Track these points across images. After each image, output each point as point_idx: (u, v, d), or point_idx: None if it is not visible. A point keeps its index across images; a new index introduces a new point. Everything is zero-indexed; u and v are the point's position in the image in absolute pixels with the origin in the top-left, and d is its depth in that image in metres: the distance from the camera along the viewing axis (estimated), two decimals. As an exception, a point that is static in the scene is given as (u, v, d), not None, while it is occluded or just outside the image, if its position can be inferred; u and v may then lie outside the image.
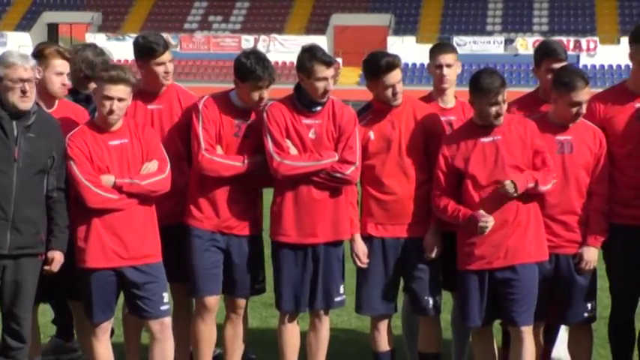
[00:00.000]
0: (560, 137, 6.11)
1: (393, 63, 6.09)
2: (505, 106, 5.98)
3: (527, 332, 6.03)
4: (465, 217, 5.95)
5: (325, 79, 6.08)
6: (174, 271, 6.24)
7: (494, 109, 5.90)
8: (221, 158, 6.15)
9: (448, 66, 6.50)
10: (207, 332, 6.36)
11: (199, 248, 6.22)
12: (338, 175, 6.14)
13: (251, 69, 6.09)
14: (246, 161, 6.17)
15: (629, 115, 6.17)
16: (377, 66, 6.10)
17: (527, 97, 6.66)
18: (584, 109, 6.05)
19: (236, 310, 6.40)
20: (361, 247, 6.26)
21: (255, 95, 6.16)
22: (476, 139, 6.01)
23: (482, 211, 5.91)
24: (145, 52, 6.29)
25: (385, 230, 6.24)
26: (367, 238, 6.29)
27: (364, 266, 6.26)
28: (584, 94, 6.01)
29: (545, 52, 6.51)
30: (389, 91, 6.15)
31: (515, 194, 5.84)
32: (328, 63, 6.08)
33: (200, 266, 6.23)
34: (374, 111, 6.27)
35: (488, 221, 5.90)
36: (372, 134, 6.23)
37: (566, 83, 6.03)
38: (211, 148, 6.14)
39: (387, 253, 6.25)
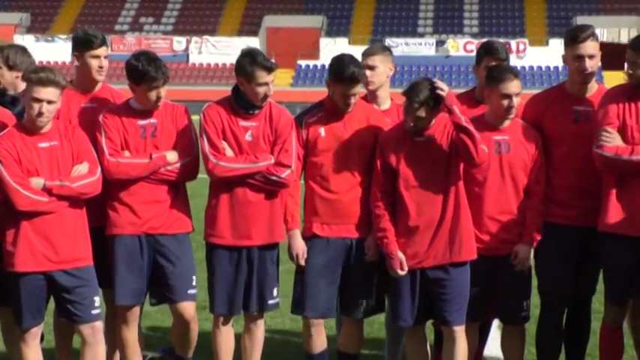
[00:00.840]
0: (497, 137, 6.17)
1: (356, 78, 6.08)
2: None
3: (460, 332, 6.07)
4: (384, 247, 6.04)
5: (266, 84, 6.07)
6: (104, 276, 6.18)
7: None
8: (127, 159, 6.13)
9: (371, 68, 6.53)
10: (131, 339, 6.33)
11: (122, 258, 6.18)
12: (274, 177, 6.13)
13: (143, 71, 6.10)
14: (153, 156, 6.16)
15: (566, 116, 6.24)
16: (340, 75, 6.10)
17: (463, 95, 6.74)
18: (514, 103, 6.10)
19: (180, 315, 6.37)
20: (299, 245, 6.24)
21: (153, 96, 6.15)
22: (409, 139, 6.03)
23: (397, 259, 5.99)
24: (82, 42, 6.34)
25: (330, 230, 6.23)
26: (312, 238, 6.26)
27: (302, 264, 6.22)
28: (513, 87, 6.08)
29: (486, 51, 6.61)
30: (343, 99, 6.16)
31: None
32: (269, 68, 6.07)
33: (121, 276, 6.19)
34: (327, 109, 6.27)
35: (397, 272, 6.00)
36: (322, 131, 6.22)
37: (495, 76, 6.13)
38: (116, 152, 6.12)
39: (331, 253, 6.23)
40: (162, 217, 6.24)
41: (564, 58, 6.35)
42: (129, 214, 6.19)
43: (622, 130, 6.00)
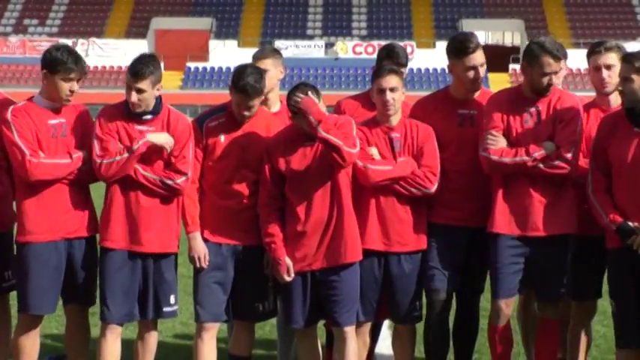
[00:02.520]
0: (393, 134, 6.23)
1: (247, 91, 6.01)
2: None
3: (350, 332, 6.11)
4: (271, 253, 6.03)
5: (141, 90, 6.00)
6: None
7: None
8: (50, 160, 6.00)
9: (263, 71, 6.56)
10: (28, 346, 6.19)
11: (35, 265, 6.04)
12: (169, 182, 6.07)
13: (62, 59, 6.00)
14: (74, 156, 6.06)
15: (451, 120, 6.33)
16: (235, 85, 6.05)
17: (359, 97, 6.79)
18: (388, 96, 6.13)
19: (76, 319, 6.29)
20: (200, 248, 6.18)
21: (65, 88, 6.04)
22: (300, 142, 6.05)
23: (284, 265, 6.00)
24: None
25: (221, 235, 6.18)
26: (203, 242, 6.20)
27: (204, 266, 6.16)
28: (384, 82, 6.15)
29: (387, 54, 6.73)
30: (237, 109, 6.12)
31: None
32: (134, 75, 6.00)
33: (33, 284, 6.05)
34: (228, 115, 6.21)
35: (284, 278, 6.01)
36: (222, 137, 6.17)
37: (375, 72, 6.24)
38: (35, 152, 5.97)
39: (221, 259, 6.18)
40: (77, 221, 6.13)
41: (450, 68, 6.42)
42: (43, 219, 6.04)
43: (507, 134, 6.12)
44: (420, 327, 6.47)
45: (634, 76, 5.74)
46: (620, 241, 5.80)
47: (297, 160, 6.04)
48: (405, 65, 6.74)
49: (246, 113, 6.11)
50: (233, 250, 6.19)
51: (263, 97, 6.20)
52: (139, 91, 6.00)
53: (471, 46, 6.28)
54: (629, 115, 5.81)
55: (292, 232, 6.05)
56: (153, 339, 6.33)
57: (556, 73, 6.06)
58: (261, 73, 6.13)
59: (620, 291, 5.89)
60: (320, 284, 6.07)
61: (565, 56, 6.19)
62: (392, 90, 6.19)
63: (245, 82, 6.01)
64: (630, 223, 5.76)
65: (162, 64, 6.90)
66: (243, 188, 6.16)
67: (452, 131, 6.31)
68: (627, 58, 5.85)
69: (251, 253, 6.18)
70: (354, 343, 6.14)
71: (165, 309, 6.23)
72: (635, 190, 5.75)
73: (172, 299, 6.25)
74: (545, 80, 6.06)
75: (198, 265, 6.18)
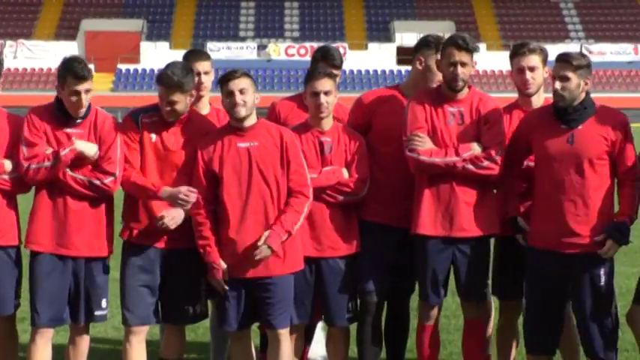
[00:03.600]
0: (323, 138, 6.23)
1: (166, 82, 5.93)
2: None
3: (284, 334, 6.09)
4: (205, 256, 5.96)
5: (77, 92, 5.92)
6: None
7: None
8: None
9: (204, 73, 6.52)
10: None
11: None
12: (96, 182, 5.99)
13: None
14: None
15: (397, 116, 6.31)
16: (158, 77, 5.98)
17: (294, 99, 6.78)
18: (321, 99, 6.13)
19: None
20: (175, 191, 6.06)
21: None
22: (231, 143, 6.02)
23: (219, 269, 5.92)
24: None
25: (147, 237, 6.10)
26: (129, 242, 6.12)
27: (194, 197, 6.05)
28: (319, 85, 6.15)
29: (322, 56, 6.74)
30: (161, 103, 6.04)
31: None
32: (82, 77, 5.92)
33: None
34: (160, 114, 6.11)
35: (220, 283, 5.95)
36: (153, 136, 6.08)
37: (309, 75, 6.25)
38: None
39: (148, 260, 6.10)
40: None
41: (418, 61, 6.42)
42: None
43: (432, 133, 6.16)
44: (353, 328, 6.48)
45: (570, 75, 5.81)
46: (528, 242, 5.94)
47: (231, 162, 6.00)
48: (340, 67, 6.75)
49: (168, 108, 6.01)
50: (161, 252, 6.12)
51: (189, 97, 6.11)
52: (87, 91, 5.94)
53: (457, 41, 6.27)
54: (559, 113, 5.88)
55: (225, 238, 5.98)
56: (85, 343, 6.25)
57: (463, 64, 6.08)
58: (187, 70, 6.05)
59: (537, 294, 5.98)
60: (254, 287, 6.03)
61: (474, 50, 6.15)
62: (326, 93, 6.19)
63: (164, 73, 5.97)
64: (522, 222, 5.99)
65: (92, 67, 6.80)
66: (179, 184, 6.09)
67: (397, 127, 6.27)
68: (564, 57, 5.89)
69: (180, 256, 6.11)
70: (289, 345, 6.12)
71: (97, 313, 6.17)
72: (556, 184, 5.83)
73: (104, 303, 6.18)
74: (452, 70, 6.08)
75: (192, 199, 6.00)
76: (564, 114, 5.87)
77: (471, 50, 6.12)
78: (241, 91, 5.94)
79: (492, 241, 6.39)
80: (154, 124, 6.11)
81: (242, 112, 5.95)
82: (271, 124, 6.16)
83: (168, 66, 6.05)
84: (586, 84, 5.86)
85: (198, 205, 6.01)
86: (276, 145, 5.99)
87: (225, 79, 5.99)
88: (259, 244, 5.87)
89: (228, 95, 5.95)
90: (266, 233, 5.88)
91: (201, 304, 6.25)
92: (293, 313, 6.15)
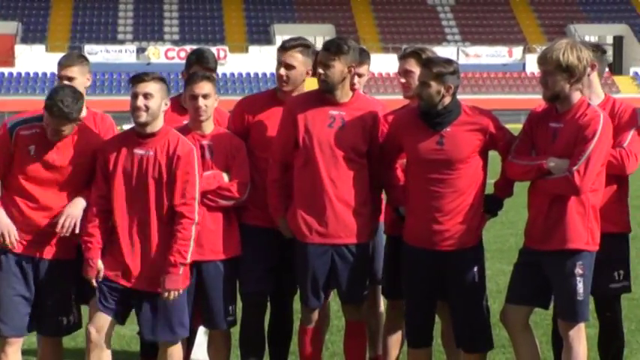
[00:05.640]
0: (204, 142, 6.19)
1: (57, 113, 5.74)
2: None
3: (170, 347, 5.99)
4: (85, 251, 5.88)
5: None
6: None
7: None
8: None
9: (69, 79, 6.40)
10: None
11: None
12: None
13: None
14: None
15: (274, 120, 6.31)
16: (46, 104, 5.78)
17: (173, 102, 6.74)
18: (200, 103, 6.10)
19: None
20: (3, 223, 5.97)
21: None
22: (129, 148, 5.90)
23: (95, 268, 5.85)
24: None
25: (21, 245, 5.96)
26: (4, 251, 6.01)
27: (13, 242, 5.94)
28: (197, 88, 6.12)
29: (197, 58, 6.71)
30: (47, 128, 5.86)
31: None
32: None
33: None
34: (42, 127, 5.92)
35: (92, 282, 5.87)
36: (32, 149, 5.89)
37: (188, 78, 6.24)
38: None
39: (20, 270, 5.96)
40: None
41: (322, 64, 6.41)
42: None
43: (309, 136, 6.11)
44: (237, 331, 6.48)
45: (432, 82, 5.88)
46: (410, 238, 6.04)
47: (124, 166, 5.87)
48: (214, 70, 6.72)
49: (54, 135, 5.85)
50: (36, 262, 5.98)
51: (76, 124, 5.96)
52: None
53: (286, 44, 6.36)
54: (424, 116, 5.98)
55: (114, 242, 5.89)
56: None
57: (327, 66, 6.05)
58: (77, 97, 5.84)
59: (412, 289, 6.08)
60: (134, 296, 5.92)
61: (341, 52, 6.06)
62: (204, 97, 6.17)
63: (54, 104, 5.76)
64: (402, 211, 6.14)
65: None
66: (50, 202, 5.96)
67: (274, 132, 6.29)
68: (426, 64, 5.97)
69: (55, 267, 5.99)
70: (180, 351, 6.04)
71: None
72: (427, 183, 5.92)
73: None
74: (319, 72, 6.09)
75: (7, 240, 5.92)
76: (428, 117, 5.96)
77: (338, 53, 6.07)
78: (145, 96, 5.82)
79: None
80: (34, 136, 5.92)
81: (142, 117, 5.84)
82: (177, 135, 6.00)
83: (57, 92, 5.82)
84: (449, 89, 5.89)
85: (93, 201, 5.91)
86: (169, 157, 5.89)
87: (133, 80, 5.91)
88: (160, 291, 5.83)
89: (132, 97, 5.87)
90: (162, 279, 5.84)
91: (75, 314, 6.14)
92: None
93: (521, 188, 6.06)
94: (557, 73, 5.75)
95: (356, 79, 6.29)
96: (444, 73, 5.85)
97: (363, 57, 6.60)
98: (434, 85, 5.86)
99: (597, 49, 6.36)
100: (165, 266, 5.84)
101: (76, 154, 5.95)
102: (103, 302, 5.91)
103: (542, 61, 5.81)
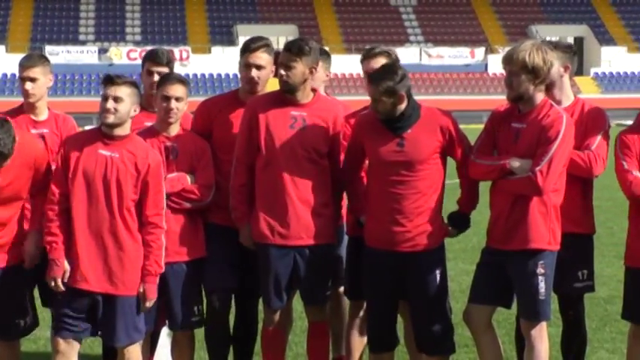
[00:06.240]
0: (169, 143, 6.17)
1: None
2: None
3: (129, 350, 5.95)
4: (50, 252, 5.81)
5: None
6: None
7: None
8: None
9: (31, 80, 6.37)
10: None
11: None
12: None
13: None
14: None
15: (235, 122, 6.29)
16: None
17: None
18: (172, 105, 6.08)
19: None
20: None
21: None
22: (94, 148, 5.84)
23: (62, 268, 5.77)
24: None
25: None
26: None
27: None
28: (171, 90, 6.10)
29: (147, 57, 6.68)
30: None
31: None
32: None
33: None
34: None
35: (58, 284, 5.79)
36: None
37: (162, 79, 6.22)
38: None
39: None
40: None
41: (239, 66, 6.44)
42: None
43: (270, 137, 6.10)
44: (199, 332, 6.46)
45: (383, 98, 5.84)
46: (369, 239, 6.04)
47: (85, 165, 5.81)
48: (168, 66, 6.67)
49: None
50: None
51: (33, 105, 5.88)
52: None
53: (252, 45, 6.31)
54: (385, 122, 5.97)
55: (73, 244, 5.82)
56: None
57: (289, 67, 6.04)
58: (7, 130, 5.62)
59: (373, 291, 6.08)
60: (94, 299, 5.86)
61: (302, 53, 6.04)
62: (177, 99, 6.14)
63: None
64: (362, 220, 6.11)
65: None
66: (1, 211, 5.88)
67: (235, 134, 6.28)
68: (373, 81, 5.90)
69: (7, 274, 5.91)
70: (138, 354, 6.01)
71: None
72: (388, 186, 5.92)
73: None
74: (279, 73, 6.08)
75: None
76: (389, 123, 5.95)
77: (299, 54, 6.04)
78: (115, 99, 5.77)
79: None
80: None
81: (109, 119, 5.80)
82: (144, 143, 5.97)
83: None
84: (401, 98, 5.87)
85: (52, 200, 5.84)
86: (137, 165, 5.83)
87: (105, 81, 5.86)
88: (142, 302, 5.84)
89: (102, 99, 5.82)
90: (142, 290, 5.86)
91: (31, 315, 6.09)
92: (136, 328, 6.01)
93: (484, 188, 6.09)
94: (522, 74, 5.79)
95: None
96: (392, 87, 5.84)
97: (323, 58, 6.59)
98: (386, 100, 5.86)
99: (569, 49, 6.39)
100: (143, 276, 5.85)
101: (17, 171, 5.82)
102: (67, 328, 5.83)
103: (508, 61, 5.84)
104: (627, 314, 6.19)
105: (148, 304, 5.89)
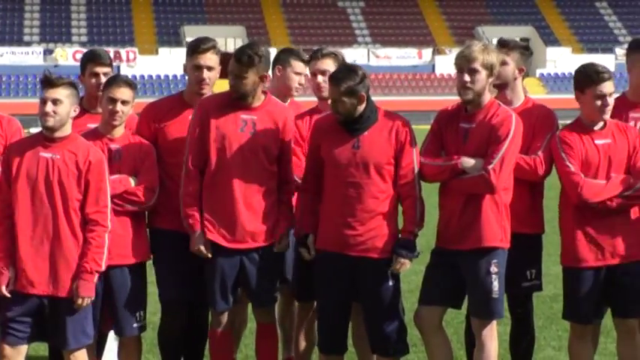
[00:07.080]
0: (112, 145, 6.11)
1: None
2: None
3: (76, 354, 5.89)
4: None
5: None
6: None
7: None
8: None
9: None
10: None
11: None
12: None
13: None
14: None
15: (184, 125, 6.24)
16: None
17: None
18: (118, 107, 6.04)
19: None
20: None
21: None
22: (35, 151, 5.74)
23: (5, 276, 5.72)
24: None
25: None
26: None
27: None
28: (117, 92, 6.04)
29: (89, 58, 6.64)
30: None
31: None
32: None
33: None
34: None
35: (1, 289, 5.73)
36: None
37: (108, 82, 6.15)
38: None
39: None
40: None
41: (184, 68, 6.40)
42: None
43: (221, 140, 6.07)
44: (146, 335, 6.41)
45: (344, 98, 5.83)
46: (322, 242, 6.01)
47: (27, 169, 5.74)
48: (110, 66, 6.65)
49: None
50: None
51: None
52: None
53: (201, 47, 6.26)
54: (343, 124, 5.96)
55: (19, 247, 5.74)
56: None
57: (240, 77, 5.97)
58: None
59: (325, 294, 6.08)
60: (40, 303, 5.79)
61: (252, 64, 5.98)
62: (124, 102, 6.09)
63: None
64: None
65: None
66: None
67: (183, 136, 6.24)
68: (333, 82, 5.88)
69: None
70: (82, 359, 5.94)
71: None
72: (341, 188, 5.91)
73: None
74: (230, 80, 6.06)
75: None
76: (347, 124, 5.94)
77: (250, 65, 5.98)
78: (54, 102, 5.70)
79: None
80: None
81: (49, 121, 5.73)
82: (86, 142, 5.89)
83: None
84: (362, 98, 5.85)
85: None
86: (78, 164, 5.77)
87: (43, 83, 5.76)
88: (74, 299, 5.73)
89: (41, 102, 5.73)
90: (75, 286, 5.74)
91: None
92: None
93: (431, 189, 6.11)
94: (482, 71, 5.84)
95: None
96: (352, 87, 5.82)
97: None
98: (346, 100, 5.84)
99: (526, 50, 6.46)
100: (79, 273, 5.74)
101: None
102: (14, 334, 5.76)
103: (466, 60, 5.85)
104: (567, 313, 6.25)
105: (81, 301, 5.76)
